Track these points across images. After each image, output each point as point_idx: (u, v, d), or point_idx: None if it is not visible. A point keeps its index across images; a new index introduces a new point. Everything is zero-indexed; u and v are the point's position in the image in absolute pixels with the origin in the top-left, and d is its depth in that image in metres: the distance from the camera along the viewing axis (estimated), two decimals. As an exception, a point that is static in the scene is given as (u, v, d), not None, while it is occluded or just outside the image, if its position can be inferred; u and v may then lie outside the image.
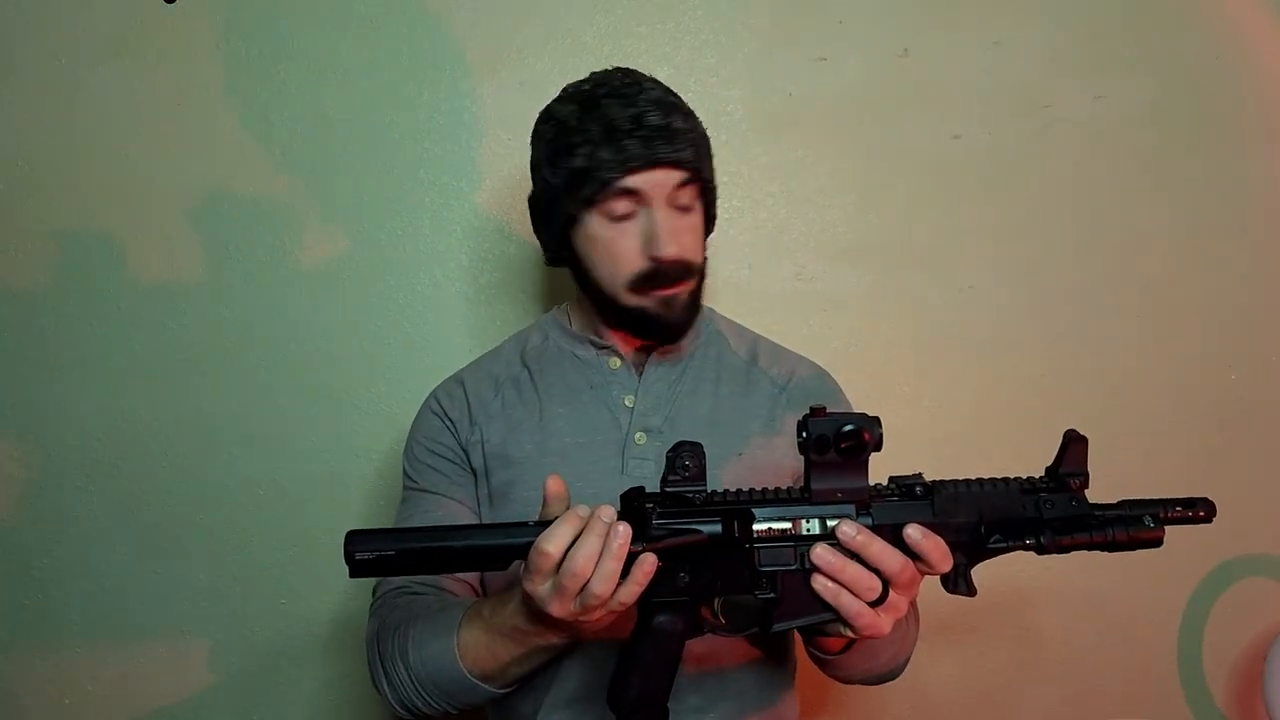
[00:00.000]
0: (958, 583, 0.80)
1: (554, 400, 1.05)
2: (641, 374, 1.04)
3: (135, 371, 1.38)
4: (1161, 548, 0.82)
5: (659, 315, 0.98)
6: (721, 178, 1.08)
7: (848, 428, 0.76)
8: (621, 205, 0.95)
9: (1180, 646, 1.50)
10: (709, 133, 1.03)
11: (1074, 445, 0.81)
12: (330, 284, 1.39)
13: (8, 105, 1.35)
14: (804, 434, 0.77)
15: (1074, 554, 0.82)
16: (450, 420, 1.06)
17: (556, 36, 1.38)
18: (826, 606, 0.77)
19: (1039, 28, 1.42)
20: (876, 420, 0.77)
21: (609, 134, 0.94)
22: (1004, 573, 0.85)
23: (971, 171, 1.43)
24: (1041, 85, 1.42)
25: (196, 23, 1.35)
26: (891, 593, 0.77)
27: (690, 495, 0.78)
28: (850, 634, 0.79)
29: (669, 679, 0.80)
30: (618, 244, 0.96)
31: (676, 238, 0.95)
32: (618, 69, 1.01)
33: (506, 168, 1.39)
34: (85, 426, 1.38)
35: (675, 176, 0.95)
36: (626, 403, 1.03)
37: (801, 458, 1.03)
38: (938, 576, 0.80)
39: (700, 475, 0.78)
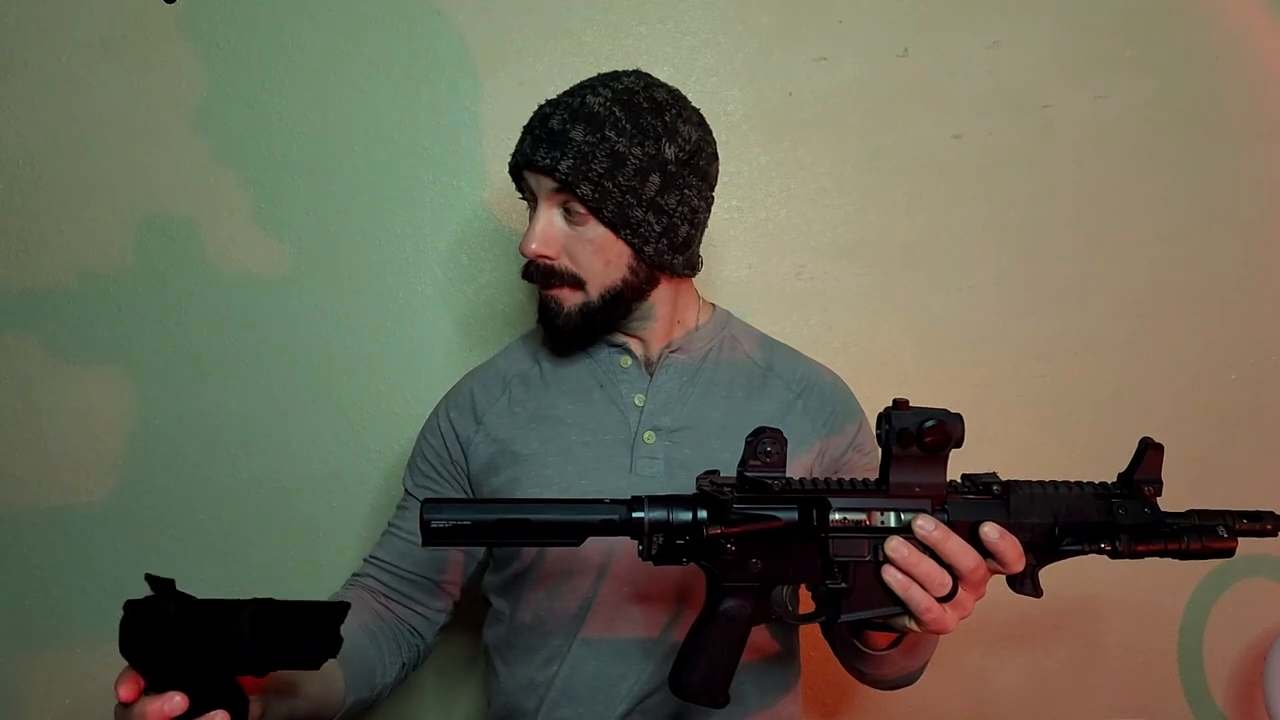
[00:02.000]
0: (1025, 583, 0.80)
1: (562, 397, 1.05)
2: (653, 374, 1.05)
3: (135, 371, 1.38)
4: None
5: (543, 312, 1.02)
6: (722, 178, 1.07)
7: (930, 423, 0.76)
8: (526, 197, 1.01)
9: (1180, 646, 1.50)
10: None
11: (1150, 453, 0.81)
12: (330, 284, 1.39)
13: (8, 105, 1.35)
14: (885, 426, 0.77)
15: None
16: (455, 429, 1.07)
17: (556, 36, 1.38)
18: (896, 600, 0.77)
19: (1039, 28, 1.42)
20: (959, 417, 0.77)
21: (525, 127, 0.99)
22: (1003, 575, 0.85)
23: (971, 171, 1.43)
24: (1041, 85, 1.42)
25: (196, 23, 1.36)
26: (961, 590, 0.77)
27: (769, 481, 0.78)
28: (915, 628, 0.79)
29: (734, 663, 0.80)
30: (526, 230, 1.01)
31: (544, 238, 0.97)
32: (619, 73, 1.01)
33: (506, 167, 1.38)
34: (85, 426, 1.38)
35: (547, 182, 0.96)
36: (636, 401, 1.03)
37: (817, 466, 1.04)
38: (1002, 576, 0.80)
39: (780, 462, 0.78)
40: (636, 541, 0.78)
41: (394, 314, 1.40)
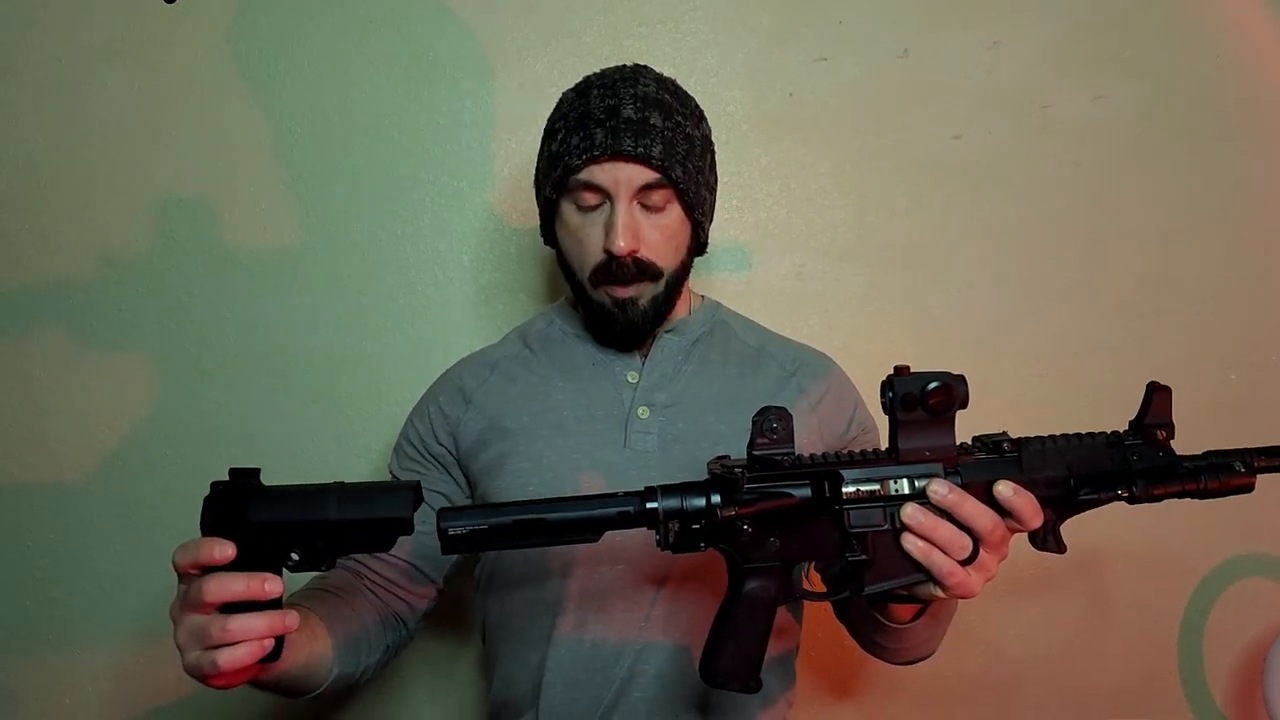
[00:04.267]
0: (1046, 539, 0.79)
1: (554, 375, 1.06)
2: (647, 353, 1.05)
3: (136, 371, 1.38)
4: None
5: (614, 314, 0.99)
6: (722, 178, 1.08)
7: (934, 385, 0.75)
8: (589, 196, 0.96)
9: (1180, 646, 1.50)
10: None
11: (1158, 395, 0.81)
12: (330, 284, 1.39)
13: (8, 105, 1.36)
14: (889, 393, 0.76)
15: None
16: (444, 412, 1.07)
17: (556, 36, 1.38)
18: (917, 567, 0.77)
19: (1039, 28, 1.42)
20: (962, 377, 0.76)
21: (581, 122, 0.95)
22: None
23: (971, 171, 1.43)
24: (1041, 85, 1.43)
25: (197, 22, 1.36)
26: (982, 551, 0.77)
27: (779, 458, 0.78)
28: (940, 594, 0.79)
29: (763, 646, 0.79)
30: (583, 232, 0.97)
31: (633, 233, 0.94)
32: (633, 65, 1.01)
33: (507, 168, 1.39)
34: (86, 426, 1.38)
35: (640, 172, 0.94)
36: (629, 379, 1.04)
37: (821, 444, 1.04)
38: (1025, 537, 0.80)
39: (788, 438, 0.78)
40: (653, 531, 0.78)
41: (394, 314, 1.40)
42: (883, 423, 0.83)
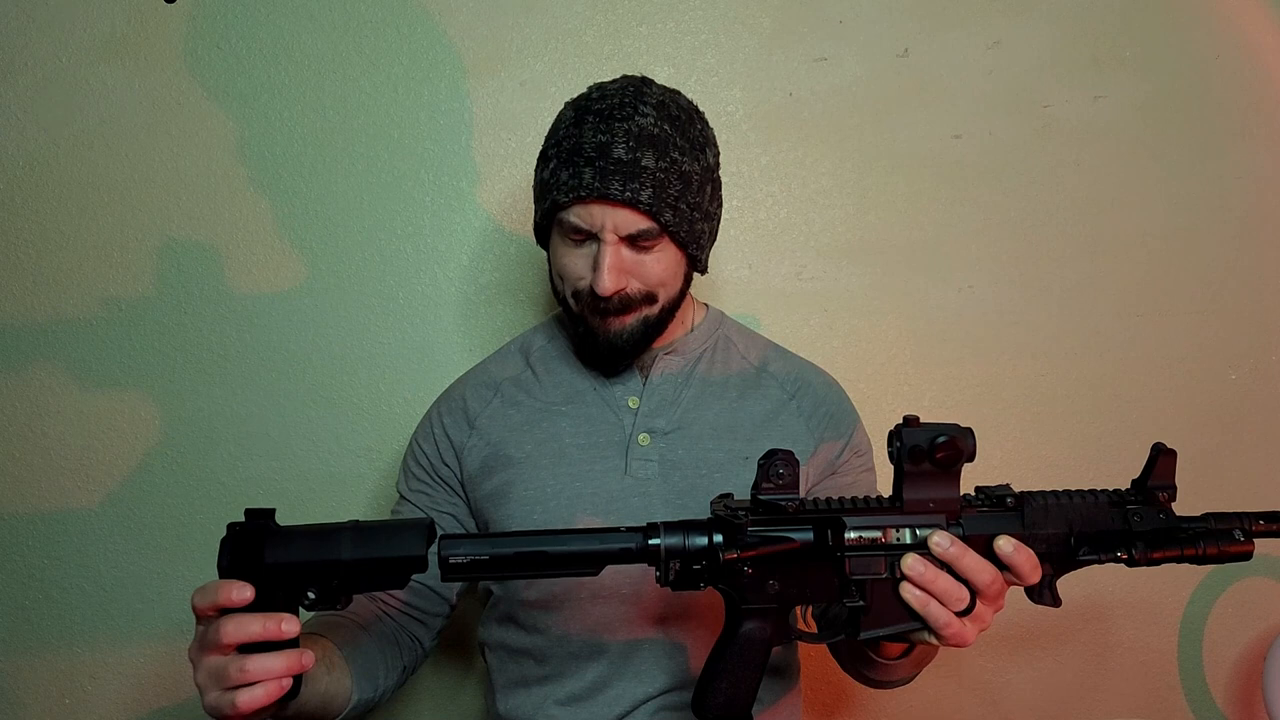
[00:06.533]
0: (1043, 594, 0.80)
1: (556, 400, 1.05)
2: (647, 376, 1.04)
3: (136, 371, 1.38)
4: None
5: (598, 337, 0.98)
6: (722, 178, 1.07)
7: (942, 439, 0.75)
8: (575, 233, 0.94)
9: (1180, 646, 1.50)
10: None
11: (1162, 459, 0.81)
12: (330, 284, 1.39)
13: (8, 105, 1.35)
14: (897, 444, 0.77)
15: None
16: (449, 434, 1.07)
17: (556, 36, 1.38)
18: (914, 615, 0.77)
19: (1039, 28, 1.42)
20: (970, 431, 0.76)
21: (571, 157, 0.92)
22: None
23: (971, 171, 1.43)
24: (1041, 85, 1.43)
25: (196, 23, 1.36)
26: (979, 604, 0.77)
27: (783, 503, 0.78)
28: (934, 642, 0.79)
29: (755, 685, 0.80)
30: (570, 259, 0.96)
31: (619, 273, 0.93)
32: (634, 82, 0.97)
33: (506, 168, 1.39)
34: (85, 426, 1.38)
35: (628, 217, 0.92)
36: (630, 404, 1.03)
37: (811, 467, 1.04)
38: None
39: (793, 484, 0.78)
40: (654, 568, 0.78)
41: (394, 315, 1.40)
42: (879, 440, 0.83)
